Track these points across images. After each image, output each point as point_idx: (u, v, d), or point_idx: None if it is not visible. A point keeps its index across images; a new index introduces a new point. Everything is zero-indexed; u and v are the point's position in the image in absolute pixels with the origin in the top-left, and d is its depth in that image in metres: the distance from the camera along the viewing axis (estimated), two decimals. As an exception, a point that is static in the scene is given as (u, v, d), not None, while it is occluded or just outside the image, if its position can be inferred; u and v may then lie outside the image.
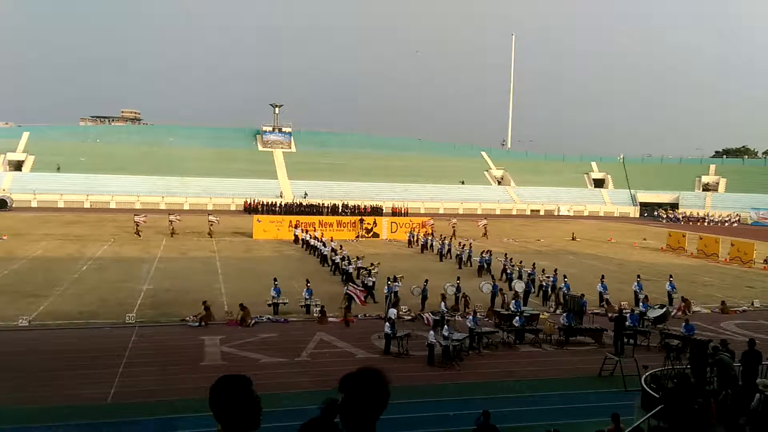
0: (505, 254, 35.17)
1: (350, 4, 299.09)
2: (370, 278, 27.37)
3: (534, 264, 31.83)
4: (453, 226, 52.28)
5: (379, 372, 2.65)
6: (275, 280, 24.91)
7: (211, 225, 48.33)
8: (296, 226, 47.73)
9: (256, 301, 24.96)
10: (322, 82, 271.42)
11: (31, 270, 31.37)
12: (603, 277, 28.30)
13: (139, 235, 45.39)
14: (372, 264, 29.90)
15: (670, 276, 29.33)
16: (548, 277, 28.57)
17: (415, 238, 46.86)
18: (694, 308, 26.12)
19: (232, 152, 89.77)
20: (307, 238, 42.90)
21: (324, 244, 37.81)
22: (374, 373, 2.64)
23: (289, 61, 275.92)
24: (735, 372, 12.82)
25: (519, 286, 26.80)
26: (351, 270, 30.35)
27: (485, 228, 53.69)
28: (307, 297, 24.26)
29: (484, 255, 34.75)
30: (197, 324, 21.62)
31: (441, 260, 38.90)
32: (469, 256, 37.13)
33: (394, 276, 27.32)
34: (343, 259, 32.09)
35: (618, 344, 19.50)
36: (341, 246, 36.64)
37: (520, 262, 32.73)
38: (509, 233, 55.21)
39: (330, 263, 34.50)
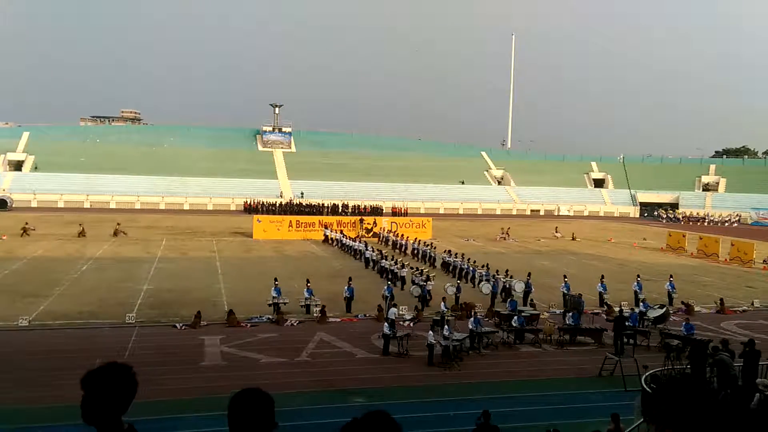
0: (462, 254, 34.63)
1: (350, 4, 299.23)
2: (429, 282, 26.59)
3: (487, 264, 31.07)
4: (505, 233, 53.81)
5: (125, 366, 2.57)
6: (276, 279, 24.88)
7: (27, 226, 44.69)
8: (326, 226, 48.24)
9: (256, 300, 25.00)
10: (322, 82, 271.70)
11: (31, 270, 31.37)
12: (603, 277, 28.25)
13: (28, 234, 43.35)
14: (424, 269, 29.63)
15: (670, 276, 29.32)
16: (509, 277, 28.34)
17: (383, 238, 46.53)
18: (694, 308, 26.11)
19: (232, 152, 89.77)
20: (340, 238, 43.18)
21: (367, 246, 37.40)
22: (119, 367, 2.56)
23: (289, 61, 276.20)
24: (735, 372, 12.82)
25: (519, 286, 26.77)
26: (404, 274, 29.74)
27: (557, 230, 56.74)
28: (308, 297, 24.25)
29: (444, 255, 34.98)
30: (187, 325, 21.56)
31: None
32: (431, 256, 36.89)
33: (427, 275, 27.30)
34: (395, 263, 31.37)
35: (618, 344, 19.48)
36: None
37: (474, 261, 32.31)
38: (509, 233, 55.17)
39: (373, 264, 33.98)
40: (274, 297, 23.72)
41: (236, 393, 2.59)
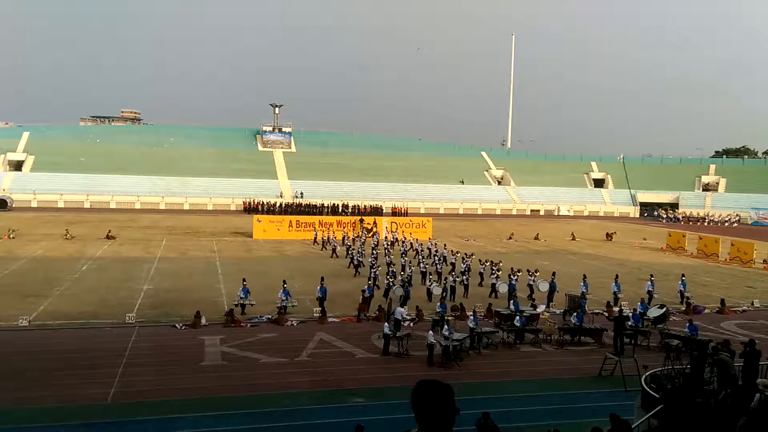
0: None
1: (350, 4, 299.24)
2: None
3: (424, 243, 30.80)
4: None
5: None
6: (244, 280, 25.16)
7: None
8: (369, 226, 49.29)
9: (255, 300, 24.93)
10: (322, 82, 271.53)
11: (31, 270, 31.37)
12: (617, 277, 28.70)
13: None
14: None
15: (682, 275, 29.53)
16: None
17: (318, 238, 45.37)
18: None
19: (232, 152, 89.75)
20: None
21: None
22: None
23: (289, 61, 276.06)
24: (735, 372, 12.80)
25: (543, 286, 26.77)
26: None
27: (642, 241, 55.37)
28: (284, 298, 23.73)
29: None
30: (187, 325, 21.57)
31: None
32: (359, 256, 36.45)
33: (498, 266, 27.57)
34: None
35: (618, 344, 19.48)
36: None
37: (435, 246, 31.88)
38: (508, 233, 55.15)
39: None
40: (241, 298, 23.74)
41: (417, 384, 2.97)
